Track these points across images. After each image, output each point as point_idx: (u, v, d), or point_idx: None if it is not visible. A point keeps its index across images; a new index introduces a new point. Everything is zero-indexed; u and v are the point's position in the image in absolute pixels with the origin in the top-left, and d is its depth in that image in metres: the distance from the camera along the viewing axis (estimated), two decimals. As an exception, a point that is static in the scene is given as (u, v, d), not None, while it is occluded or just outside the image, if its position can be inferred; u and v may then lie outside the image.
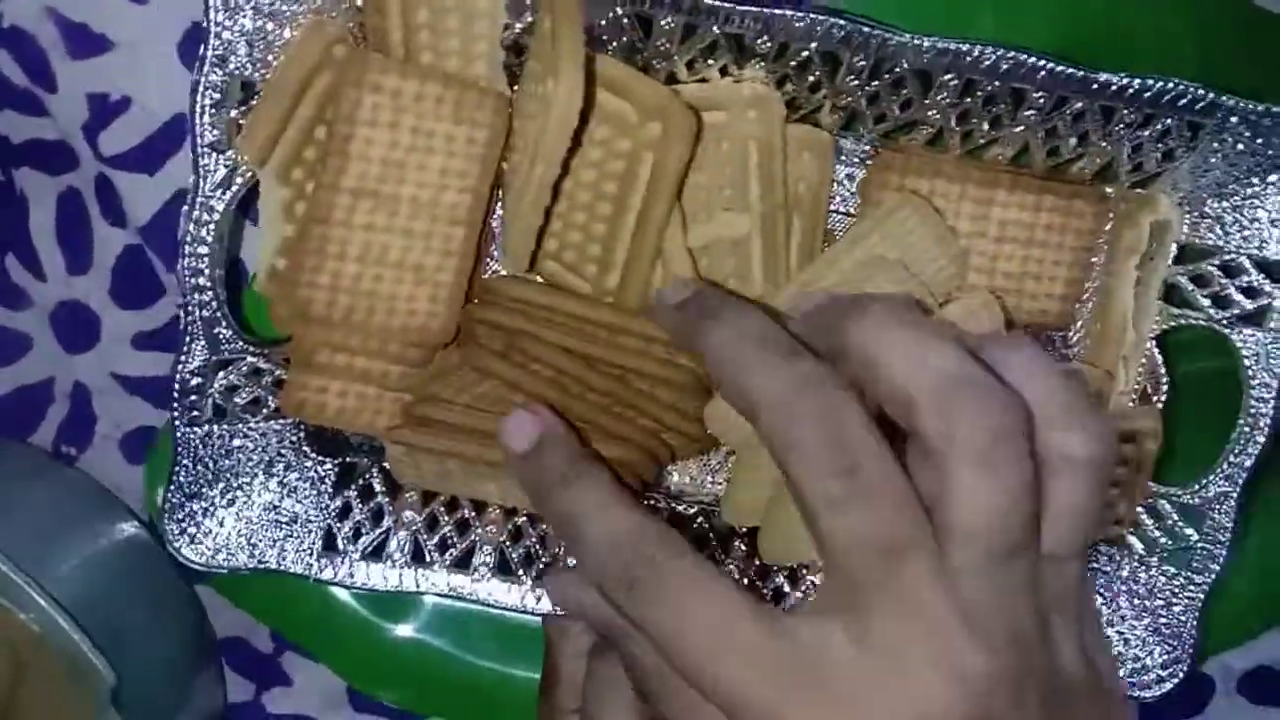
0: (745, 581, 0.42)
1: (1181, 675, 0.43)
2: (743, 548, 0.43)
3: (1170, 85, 0.38)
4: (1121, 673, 0.43)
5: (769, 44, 0.37)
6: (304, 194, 0.37)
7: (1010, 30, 0.42)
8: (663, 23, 0.36)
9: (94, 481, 0.52)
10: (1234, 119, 0.38)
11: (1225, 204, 0.40)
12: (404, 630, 0.52)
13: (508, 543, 0.42)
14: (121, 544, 0.50)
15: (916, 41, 0.37)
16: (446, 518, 0.42)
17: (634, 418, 0.39)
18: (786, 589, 0.42)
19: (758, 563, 0.43)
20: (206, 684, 0.54)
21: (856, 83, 0.38)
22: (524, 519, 0.43)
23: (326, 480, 0.42)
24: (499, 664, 0.52)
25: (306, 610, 0.51)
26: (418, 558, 0.41)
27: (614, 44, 0.38)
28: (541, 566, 0.42)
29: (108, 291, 0.50)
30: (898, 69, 0.37)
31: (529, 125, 0.36)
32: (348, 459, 0.43)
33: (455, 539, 0.42)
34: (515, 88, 0.39)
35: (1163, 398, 0.42)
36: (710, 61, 0.38)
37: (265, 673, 0.56)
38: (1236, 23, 0.45)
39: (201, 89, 0.36)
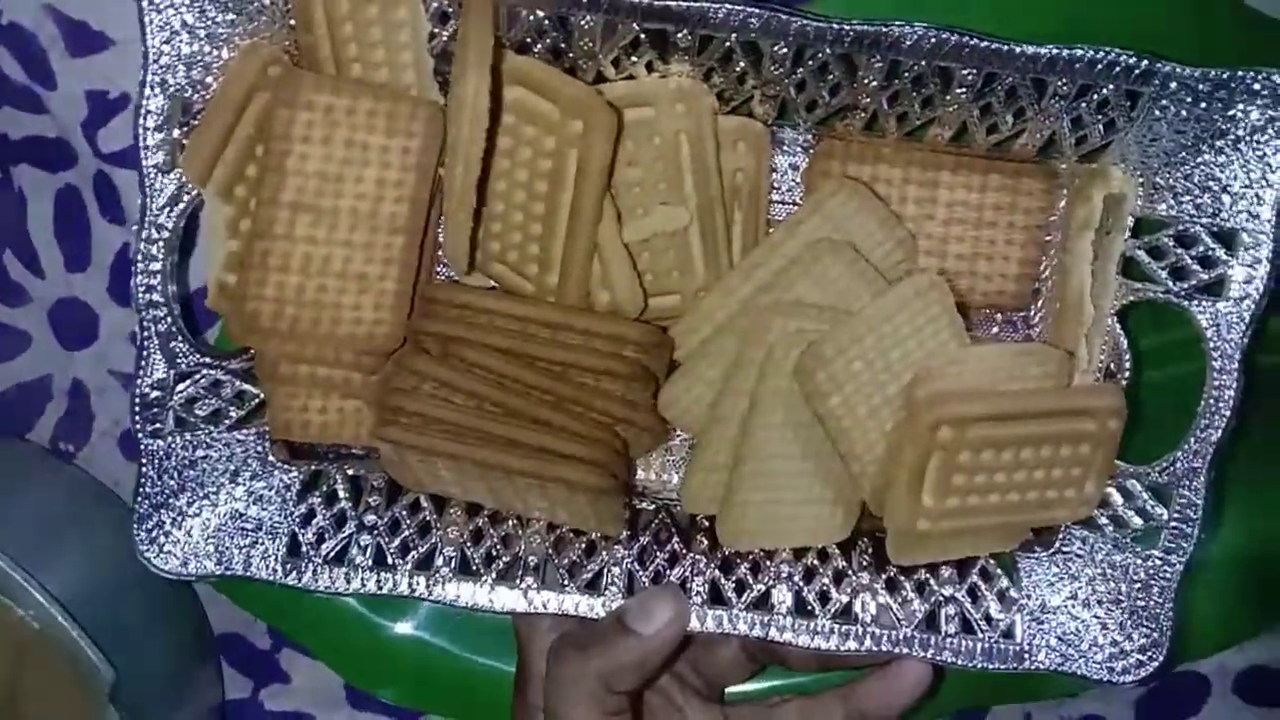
0: (708, 574, 0.46)
1: (1161, 659, 0.46)
2: (704, 541, 0.47)
3: (1099, 54, 0.41)
4: (1100, 658, 0.46)
5: (689, 37, 0.41)
6: (247, 210, 0.42)
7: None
8: (582, 23, 0.41)
9: (92, 478, 0.57)
10: (1173, 84, 0.41)
11: (1177, 174, 0.43)
12: (402, 628, 0.58)
13: (469, 544, 0.46)
14: (119, 541, 0.53)
15: (835, 25, 0.40)
16: (408, 520, 0.47)
17: (583, 413, 0.44)
18: (750, 580, 0.46)
19: (720, 556, 0.47)
20: (205, 681, 0.60)
21: (781, 71, 0.42)
22: (484, 520, 0.47)
23: (291, 488, 0.47)
24: (497, 661, 0.57)
25: (305, 608, 0.57)
26: (380, 561, 0.46)
27: (538, 47, 0.42)
28: (502, 566, 0.46)
29: (106, 289, 0.55)
30: (820, 54, 0.41)
31: (453, 129, 0.41)
32: (313, 466, 0.48)
33: (417, 541, 0.46)
34: (447, 95, 0.43)
35: (1126, 374, 0.45)
36: (635, 58, 0.42)
37: (263, 670, 0.62)
38: (1237, 27, 0.48)
39: (143, 112, 0.41)
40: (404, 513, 0.47)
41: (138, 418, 0.44)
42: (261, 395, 0.46)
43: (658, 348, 0.44)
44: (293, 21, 0.42)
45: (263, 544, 0.46)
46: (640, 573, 0.46)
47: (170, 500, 0.46)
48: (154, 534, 0.46)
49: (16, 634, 0.51)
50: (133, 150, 0.49)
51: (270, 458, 0.47)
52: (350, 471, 0.48)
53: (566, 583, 0.46)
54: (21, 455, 0.57)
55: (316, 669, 0.60)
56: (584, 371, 0.44)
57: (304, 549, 0.46)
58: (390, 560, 0.46)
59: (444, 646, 0.58)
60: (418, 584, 0.46)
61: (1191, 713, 0.59)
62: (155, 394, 0.45)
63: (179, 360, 0.45)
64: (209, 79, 0.42)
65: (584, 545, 0.47)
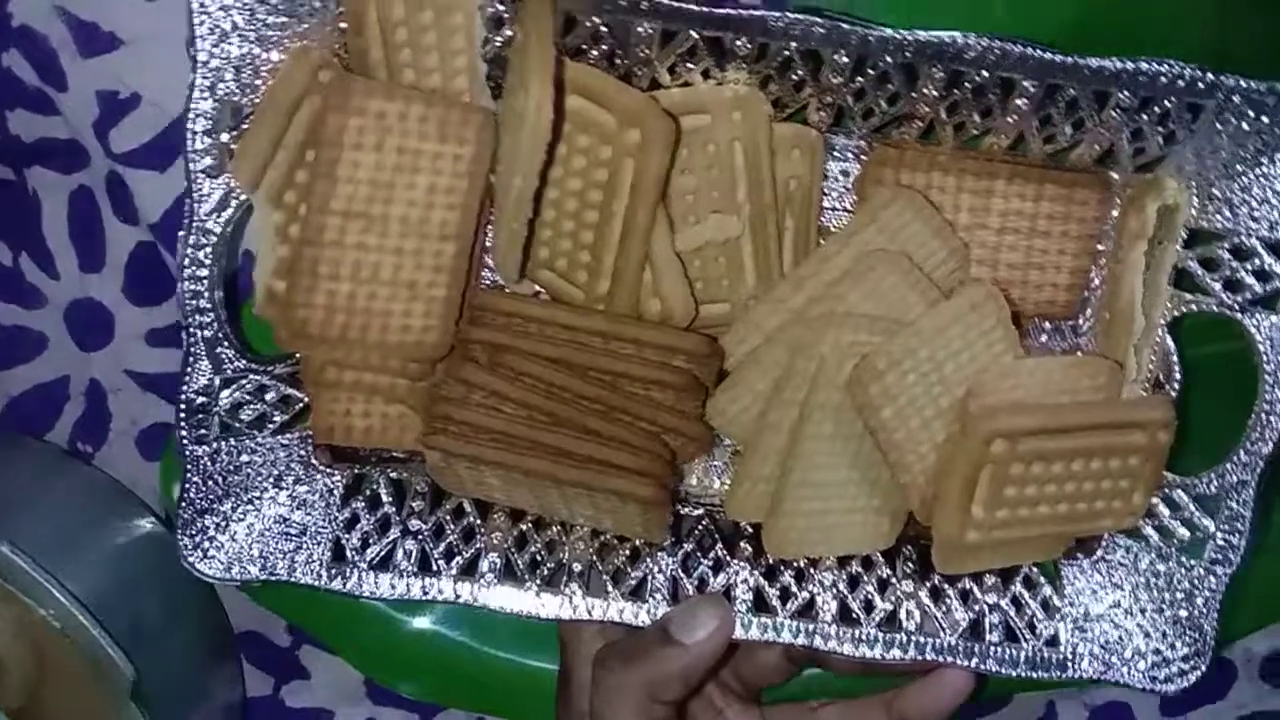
0: (752, 582, 0.48)
1: (1203, 669, 0.48)
2: (748, 548, 0.49)
3: (1166, 68, 0.42)
4: (1142, 666, 0.48)
5: (749, 46, 0.43)
6: (297, 216, 0.44)
7: (1021, 13, 0.47)
8: (641, 30, 0.42)
9: (110, 478, 0.60)
10: (1236, 98, 0.43)
11: (1234, 185, 0.45)
12: (421, 622, 0.60)
13: (513, 549, 0.49)
14: (139, 540, 0.59)
15: (898, 35, 0.42)
16: (452, 525, 0.49)
17: (632, 422, 0.46)
18: (794, 589, 0.48)
19: (764, 563, 0.49)
20: (225, 678, 0.63)
21: (840, 80, 0.44)
22: (529, 525, 0.49)
23: (335, 492, 0.49)
24: (516, 654, 0.60)
25: (324, 605, 0.58)
26: (424, 566, 0.48)
27: (593, 53, 0.44)
28: (547, 573, 0.48)
29: (120, 289, 0.57)
30: (881, 64, 0.43)
31: (508, 138, 0.43)
32: (356, 470, 0.50)
33: (461, 547, 0.49)
34: (499, 101, 0.45)
35: (1176, 386, 0.47)
36: (691, 65, 0.44)
37: (283, 667, 0.64)
38: (1255, 9, 0.50)
39: (192, 116, 0.42)
40: (448, 517, 0.49)
41: (183, 424, 0.46)
42: (305, 400, 0.48)
43: (709, 358, 0.46)
44: (343, 25, 0.43)
45: (307, 549, 0.48)
46: (684, 579, 0.49)
47: (214, 506, 0.48)
48: (198, 540, 0.48)
49: (37, 634, 0.54)
50: (144, 150, 0.53)
51: (313, 461, 0.49)
52: (393, 475, 0.50)
53: (611, 589, 0.48)
54: (40, 456, 0.60)
55: (336, 665, 0.62)
56: (634, 381, 0.46)
57: (348, 554, 0.48)
58: (434, 566, 0.48)
59: (463, 641, 0.60)
60: (462, 590, 0.48)
61: (1217, 697, 0.62)
62: (200, 400, 0.47)
63: (225, 366, 0.47)
64: (258, 82, 0.43)
65: (628, 551, 0.49)
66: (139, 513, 0.59)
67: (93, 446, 0.60)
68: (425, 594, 0.48)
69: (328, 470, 0.50)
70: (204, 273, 0.45)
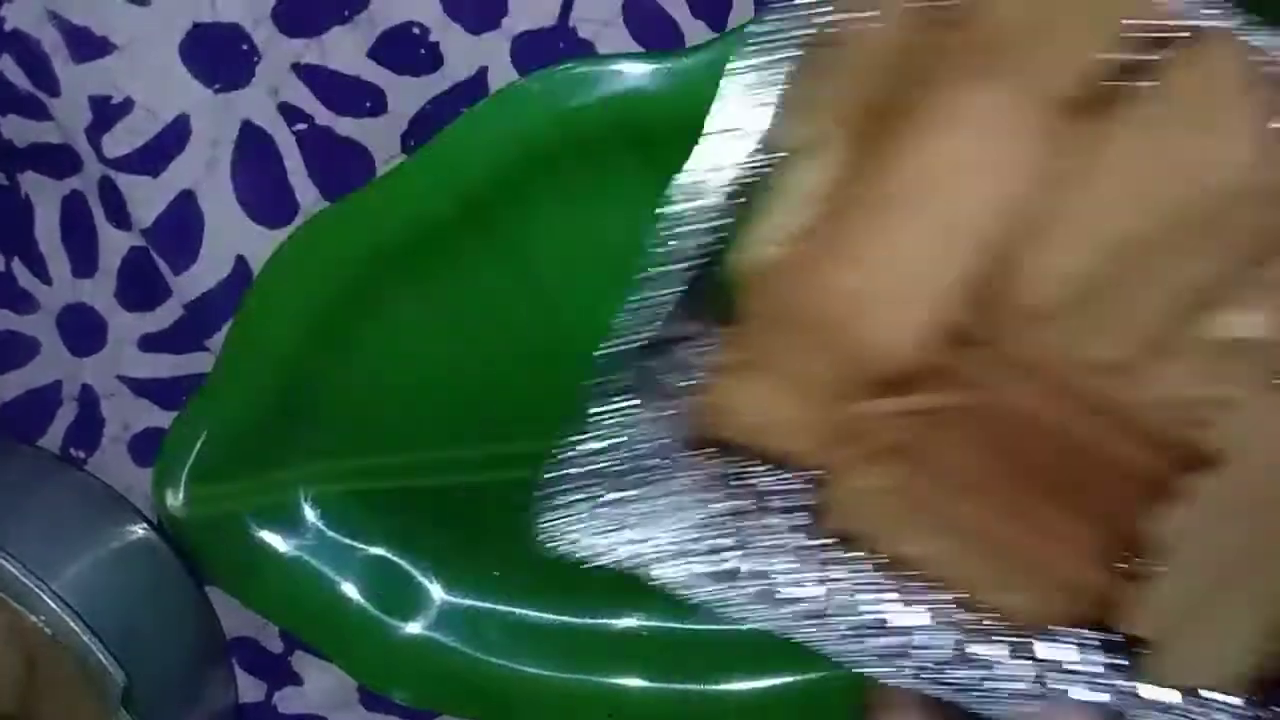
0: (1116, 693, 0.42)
1: None
2: (1117, 656, 0.41)
3: None
4: None
5: None
6: (833, 185, 0.37)
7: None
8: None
9: (103, 484, 0.58)
10: None
11: None
12: (413, 628, 0.57)
13: (880, 600, 0.41)
14: (131, 546, 0.57)
15: None
16: (820, 556, 0.41)
17: (1092, 504, 0.40)
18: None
19: (1130, 675, 0.41)
20: (217, 684, 0.61)
21: None
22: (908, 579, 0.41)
23: (698, 488, 0.42)
24: (510, 661, 0.58)
25: (316, 609, 0.57)
26: (765, 594, 0.41)
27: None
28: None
29: (113, 294, 0.56)
30: None
31: (1146, 172, 0.36)
32: (727, 466, 0.42)
33: (828, 580, 0.41)
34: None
35: None
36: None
37: (276, 673, 0.62)
38: None
39: (744, 44, 0.35)
40: (809, 544, 0.42)
41: (596, 386, 0.41)
42: (702, 379, 0.42)
43: (1194, 466, 0.39)
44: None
45: (654, 542, 0.42)
46: (1049, 677, 0.42)
47: (585, 478, 0.42)
48: (559, 509, 0.41)
49: (28, 640, 0.53)
50: (136, 155, 0.53)
51: (687, 449, 0.42)
52: (762, 485, 0.43)
53: (961, 673, 0.42)
54: (33, 461, 0.59)
55: (329, 671, 0.60)
56: (1105, 465, 0.40)
57: (693, 559, 0.42)
58: (777, 597, 0.42)
59: (456, 647, 0.59)
60: (803, 630, 0.41)
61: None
62: (628, 359, 0.41)
63: (662, 327, 0.41)
64: (828, 24, 0.36)
65: (985, 629, 0.42)
66: (131, 519, 0.58)
67: (85, 452, 0.59)
68: (756, 623, 0.42)
69: (700, 463, 0.42)
70: (688, 217, 0.38)
